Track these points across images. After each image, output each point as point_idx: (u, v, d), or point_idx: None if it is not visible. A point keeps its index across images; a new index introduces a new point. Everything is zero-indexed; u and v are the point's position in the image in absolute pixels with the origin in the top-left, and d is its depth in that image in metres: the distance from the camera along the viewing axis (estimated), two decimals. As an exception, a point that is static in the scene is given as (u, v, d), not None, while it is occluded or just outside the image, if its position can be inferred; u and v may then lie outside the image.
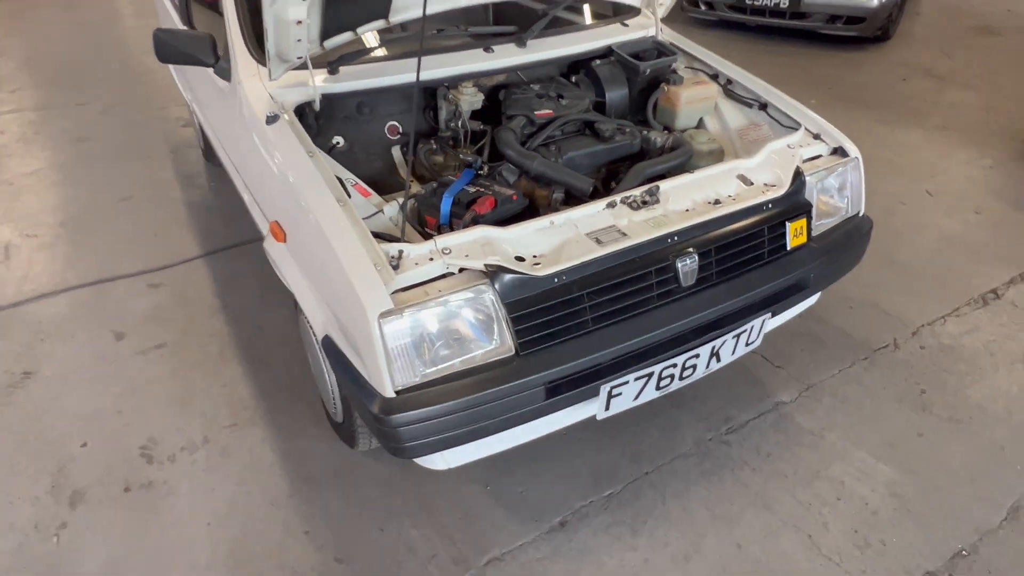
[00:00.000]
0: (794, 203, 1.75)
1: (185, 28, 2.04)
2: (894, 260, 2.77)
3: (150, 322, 2.52)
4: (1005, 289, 2.61)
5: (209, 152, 3.63)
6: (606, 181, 1.89)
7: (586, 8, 2.42)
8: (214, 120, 2.33)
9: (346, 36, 1.81)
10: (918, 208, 3.18)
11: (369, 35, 2.00)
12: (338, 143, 1.91)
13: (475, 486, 1.86)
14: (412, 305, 1.34)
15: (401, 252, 1.40)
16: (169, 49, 1.91)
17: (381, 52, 1.96)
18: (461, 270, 1.43)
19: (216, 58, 1.95)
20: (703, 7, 5.81)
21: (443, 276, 1.42)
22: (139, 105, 4.61)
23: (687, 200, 1.67)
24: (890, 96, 4.51)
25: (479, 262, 1.40)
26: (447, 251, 1.43)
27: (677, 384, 1.68)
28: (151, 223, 3.18)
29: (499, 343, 1.43)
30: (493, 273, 1.40)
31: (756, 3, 5.46)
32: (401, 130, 2.01)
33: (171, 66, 3.39)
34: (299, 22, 1.63)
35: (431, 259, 1.41)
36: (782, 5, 5.37)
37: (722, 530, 1.73)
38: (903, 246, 2.87)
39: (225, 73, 1.97)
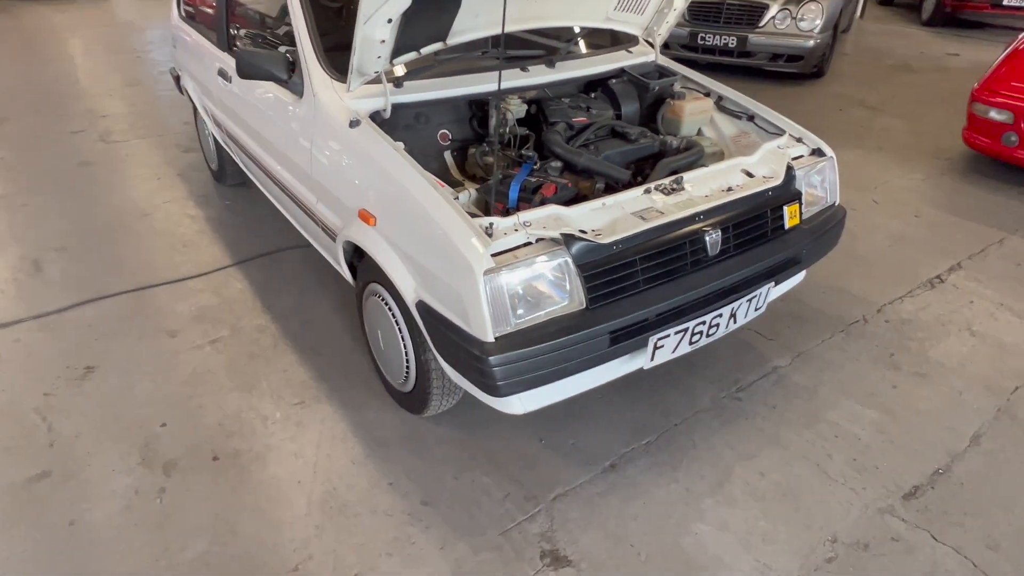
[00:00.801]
0: (788, 191, 2.13)
1: (265, 48, 2.29)
2: (855, 254, 3.22)
3: (199, 322, 2.70)
4: (947, 275, 3.08)
5: (220, 174, 3.84)
6: (633, 175, 2.23)
7: (593, 37, 2.80)
8: (269, 134, 2.57)
9: (411, 55, 2.11)
10: (868, 213, 3.67)
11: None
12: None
13: (531, 441, 2.12)
14: (508, 265, 1.63)
15: (492, 224, 1.70)
16: (250, 67, 2.17)
17: (438, 69, 2.26)
18: (538, 240, 1.73)
19: (289, 75, 2.22)
20: (660, 46, 6.37)
21: (523, 245, 1.72)
22: (135, 132, 4.76)
23: (706, 188, 2.03)
24: (830, 123, 5.10)
25: (555, 232, 1.71)
26: (528, 224, 1.73)
27: (705, 341, 2.01)
28: (177, 237, 3.35)
29: (572, 299, 1.73)
30: (567, 240, 1.70)
31: (707, 43, 6.07)
32: (451, 137, 2.31)
33: (194, 97, 3.59)
34: (382, 41, 1.93)
35: (516, 230, 1.71)
36: (731, 45, 5.99)
37: (746, 463, 2.05)
38: (860, 243, 3.33)
39: (297, 88, 2.24)
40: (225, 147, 3.49)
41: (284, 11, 2.79)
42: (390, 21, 1.88)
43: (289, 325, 2.69)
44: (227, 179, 3.81)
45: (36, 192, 3.82)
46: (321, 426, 2.18)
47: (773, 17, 5.83)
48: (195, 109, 3.80)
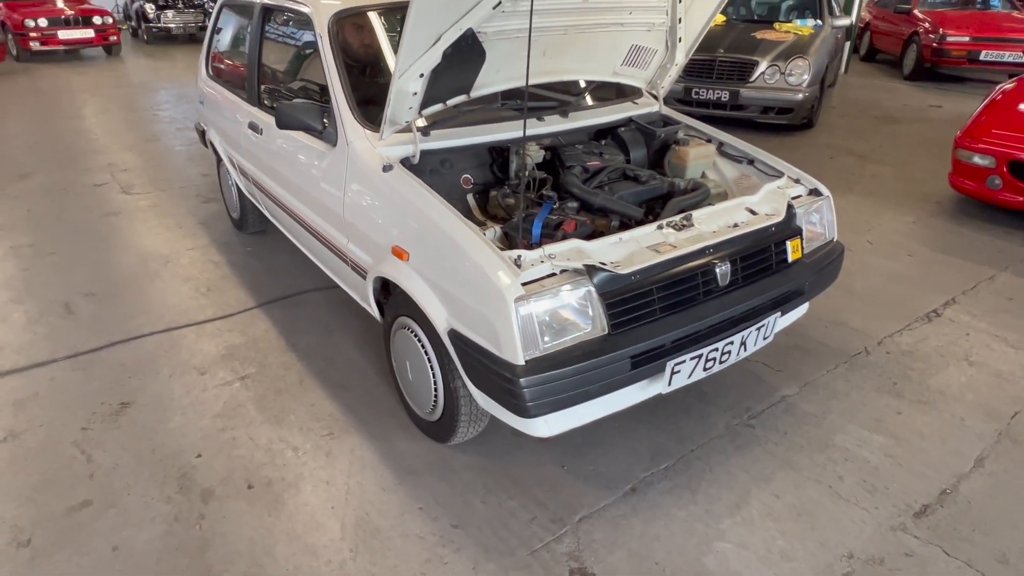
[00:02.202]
0: (790, 227, 2.29)
1: (301, 101, 2.47)
2: (853, 291, 3.36)
3: (227, 360, 2.80)
4: (943, 309, 3.22)
5: (242, 222, 4.00)
6: (644, 214, 2.38)
7: (600, 90, 3.00)
8: (300, 181, 2.73)
9: (438, 106, 2.29)
10: (863, 254, 3.84)
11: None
12: (427, 190, 2.35)
13: (554, 466, 2.21)
14: (536, 293, 1.77)
15: (520, 256, 1.83)
16: (289, 118, 2.35)
17: (461, 119, 2.44)
18: (561, 272, 1.86)
19: (323, 125, 2.40)
20: (656, 101, 6.68)
21: (549, 276, 1.85)
22: (156, 184, 4.95)
23: (713, 224, 2.18)
24: (822, 171, 5.32)
25: (579, 263, 1.85)
26: (552, 256, 1.86)
27: (718, 367, 2.12)
28: (201, 281, 3.48)
29: (595, 325, 1.85)
30: (590, 271, 1.84)
31: (701, 96, 6.37)
32: (472, 181, 2.48)
33: (220, 149, 3.78)
34: (414, 93, 2.12)
35: (541, 262, 1.84)
36: (723, 99, 6.29)
37: (761, 486, 2.13)
38: (858, 280, 3.48)
39: (331, 137, 2.42)
40: (249, 196, 3.66)
41: (297, 67, 3.01)
42: (422, 75, 2.07)
43: (314, 362, 2.79)
44: (248, 227, 3.98)
45: (63, 241, 3.97)
46: (351, 456, 2.26)
47: (763, 72, 6.14)
48: (218, 161, 3.99)
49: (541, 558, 1.88)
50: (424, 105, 2.23)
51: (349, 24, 2.61)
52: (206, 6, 13.52)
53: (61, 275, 3.55)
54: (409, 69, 2.03)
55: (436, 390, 2.15)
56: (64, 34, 10.90)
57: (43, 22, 10.74)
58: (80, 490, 2.11)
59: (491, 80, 2.34)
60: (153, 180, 5.06)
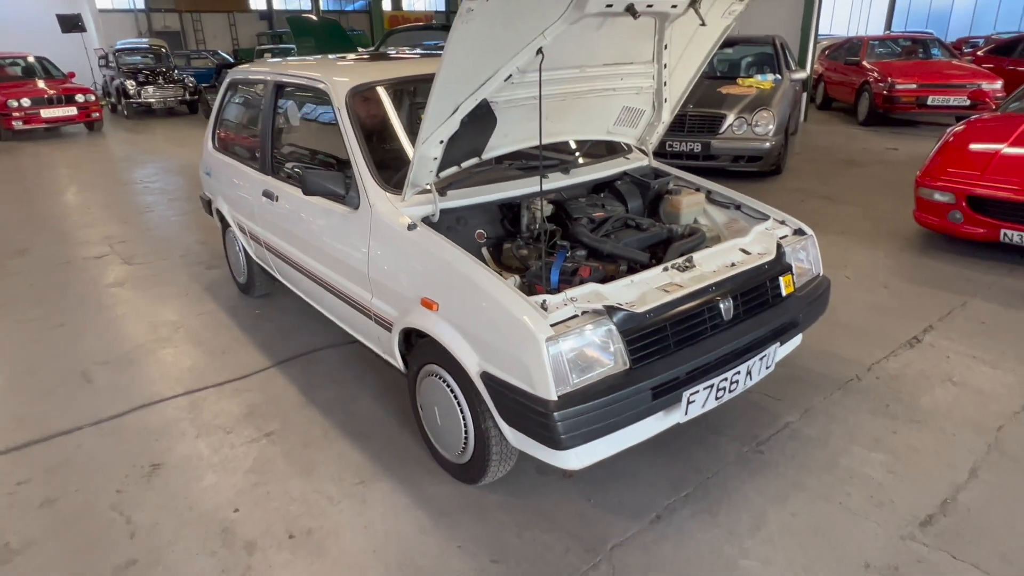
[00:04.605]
0: (781, 264, 2.50)
1: (325, 170, 2.65)
2: (839, 322, 3.57)
3: (250, 418, 2.88)
4: (923, 336, 3.44)
5: (248, 286, 4.12)
6: (649, 259, 2.57)
7: (594, 147, 3.24)
8: (320, 243, 2.88)
9: (454, 169, 2.49)
10: (843, 288, 4.08)
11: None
12: (445, 246, 2.52)
13: (581, 501, 2.32)
14: (564, 333, 1.92)
15: (544, 300, 2.00)
16: (315, 185, 2.53)
17: (473, 179, 2.64)
18: (583, 313, 2.03)
19: (346, 190, 2.58)
20: (632, 154, 7.03)
21: (572, 318, 2.02)
22: (157, 254, 5.06)
23: (713, 264, 2.38)
24: (795, 213, 5.50)
25: (599, 304, 2.02)
26: (574, 299, 2.03)
27: (728, 396, 2.28)
28: (214, 344, 3.57)
29: (617, 361, 2.01)
30: (610, 311, 2.01)
31: (675, 148, 6.73)
32: (486, 235, 2.66)
33: (228, 217, 3.93)
34: (435, 158, 2.31)
35: (564, 305, 2.01)
36: (696, 150, 6.66)
37: (777, 506, 2.26)
38: (842, 312, 3.70)
39: (353, 201, 2.59)
40: (258, 260, 3.80)
41: (310, 137, 3.19)
42: (442, 142, 2.28)
43: (335, 416, 2.88)
44: (255, 291, 4.09)
45: (69, 313, 4.03)
46: (384, 502, 2.35)
47: (731, 124, 6.54)
48: (223, 228, 4.14)
49: (580, 586, 1.98)
50: (441, 168, 2.42)
51: (361, 97, 2.82)
52: (186, 80, 13.88)
53: (72, 345, 3.61)
54: (431, 136, 2.23)
55: (467, 432, 2.27)
56: (47, 112, 11.07)
57: (26, 102, 10.92)
58: (124, 550, 2.16)
59: (500, 143, 2.55)
60: (153, 250, 5.17)
